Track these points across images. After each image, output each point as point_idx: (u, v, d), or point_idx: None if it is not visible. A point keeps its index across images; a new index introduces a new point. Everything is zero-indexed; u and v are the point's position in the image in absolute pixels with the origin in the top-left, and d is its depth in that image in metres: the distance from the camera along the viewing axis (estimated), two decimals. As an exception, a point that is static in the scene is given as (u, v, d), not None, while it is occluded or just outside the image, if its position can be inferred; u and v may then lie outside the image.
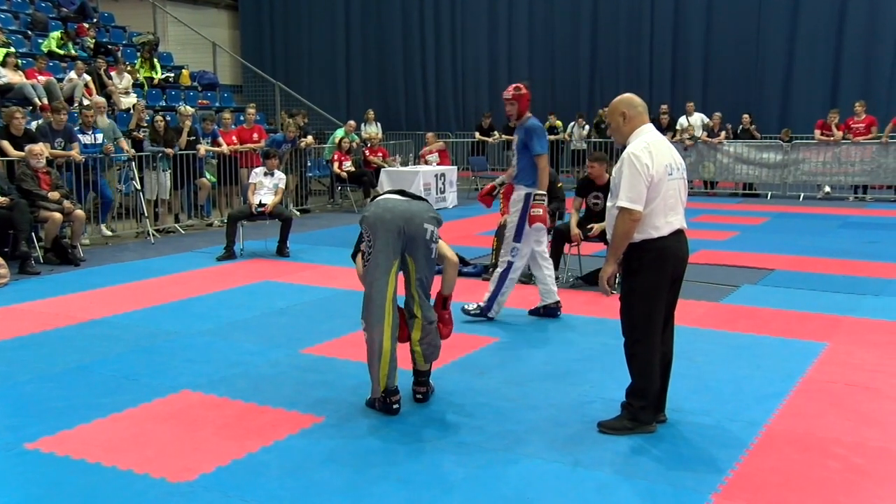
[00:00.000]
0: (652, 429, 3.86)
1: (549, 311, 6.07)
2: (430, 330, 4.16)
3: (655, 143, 3.75)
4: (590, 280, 7.22)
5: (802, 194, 14.69)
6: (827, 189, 14.72)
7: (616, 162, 3.83)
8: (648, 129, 3.81)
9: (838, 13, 16.73)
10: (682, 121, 15.54)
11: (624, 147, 3.80)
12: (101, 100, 10.98)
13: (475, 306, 6.01)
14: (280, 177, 9.43)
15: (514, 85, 5.86)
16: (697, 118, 15.48)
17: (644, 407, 3.83)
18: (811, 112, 15.94)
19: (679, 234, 3.80)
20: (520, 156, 5.81)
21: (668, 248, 3.75)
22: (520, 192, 5.79)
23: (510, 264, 5.87)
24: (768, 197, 14.78)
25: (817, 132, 14.49)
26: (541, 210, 5.69)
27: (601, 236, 7.08)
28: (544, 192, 5.74)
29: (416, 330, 4.15)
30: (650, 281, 3.75)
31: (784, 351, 5.20)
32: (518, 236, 5.81)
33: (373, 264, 3.98)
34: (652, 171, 3.66)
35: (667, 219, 3.73)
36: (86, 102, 11.87)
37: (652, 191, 3.67)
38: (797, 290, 7.00)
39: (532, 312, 6.14)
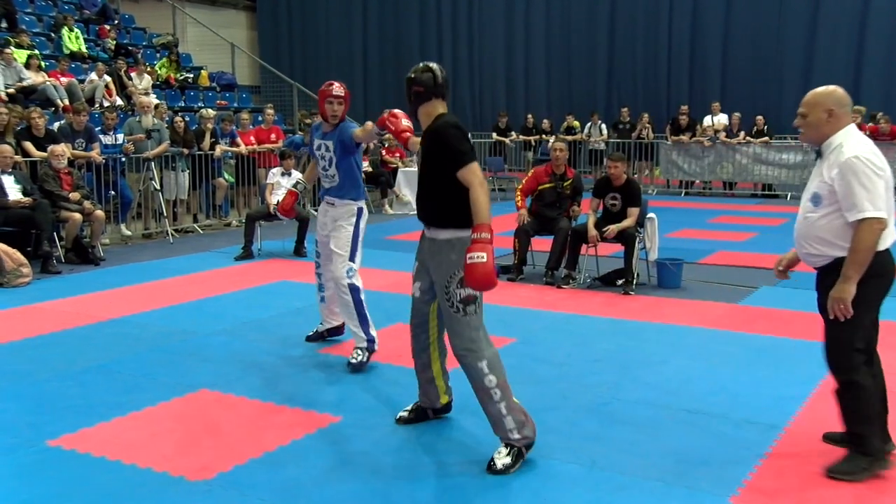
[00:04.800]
0: (888, 464, 3.44)
1: (332, 332, 5.62)
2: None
3: (873, 146, 3.36)
4: (606, 281, 7.19)
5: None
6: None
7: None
8: (854, 130, 3.36)
9: (860, 12, 16.54)
10: (708, 120, 15.49)
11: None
12: (147, 99, 11.08)
13: (359, 352, 5.04)
14: (297, 177, 9.47)
15: (339, 83, 5.12)
16: (722, 118, 15.43)
17: (874, 433, 3.43)
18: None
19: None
20: (341, 163, 5.07)
21: (887, 262, 3.36)
22: (350, 207, 5.11)
23: (355, 288, 5.04)
24: (787, 198, 14.65)
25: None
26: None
27: (618, 237, 7.06)
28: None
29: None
30: (871, 295, 3.36)
31: (804, 353, 5.13)
32: (353, 254, 5.12)
33: (479, 318, 3.79)
34: (887, 174, 3.29)
35: (889, 229, 3.32)
36: (106, 104, 11.98)
37: (889, 196, 3.26)
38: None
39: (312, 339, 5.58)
